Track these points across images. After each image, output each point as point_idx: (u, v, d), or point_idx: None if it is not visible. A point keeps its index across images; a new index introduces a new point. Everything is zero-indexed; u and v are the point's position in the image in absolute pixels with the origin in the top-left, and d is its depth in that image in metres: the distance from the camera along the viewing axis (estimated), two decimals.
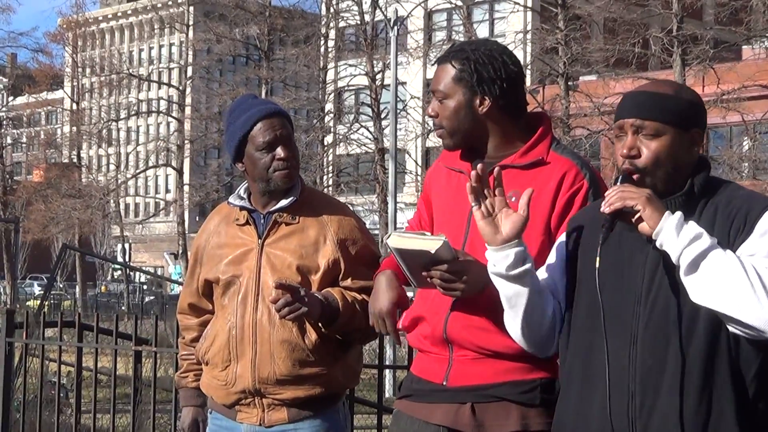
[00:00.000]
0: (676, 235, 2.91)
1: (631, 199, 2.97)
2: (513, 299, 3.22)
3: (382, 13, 40.32)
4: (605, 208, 3.01)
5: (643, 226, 2.97)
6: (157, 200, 75.43)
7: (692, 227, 2.93)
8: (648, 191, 2.99)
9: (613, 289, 3.11)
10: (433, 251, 3.33)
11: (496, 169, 3.23)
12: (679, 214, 2.95)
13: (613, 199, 2.99)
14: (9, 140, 61.82)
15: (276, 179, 3.88)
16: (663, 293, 3.02)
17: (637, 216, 2.97)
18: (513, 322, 3.27)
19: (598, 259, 3.09)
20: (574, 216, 3.37)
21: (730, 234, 3.02)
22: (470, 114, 3.58)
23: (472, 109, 3.58)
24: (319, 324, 3.81)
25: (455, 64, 3.59)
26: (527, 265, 3.18)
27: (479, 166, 3.22)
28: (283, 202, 3.90)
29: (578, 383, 3.19)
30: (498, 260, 3.18)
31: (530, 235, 3.36)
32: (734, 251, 2.97)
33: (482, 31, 46.70)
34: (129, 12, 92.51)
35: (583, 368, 3.18)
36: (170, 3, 63.97)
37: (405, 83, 44.05)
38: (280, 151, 3.85)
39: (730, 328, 2.94)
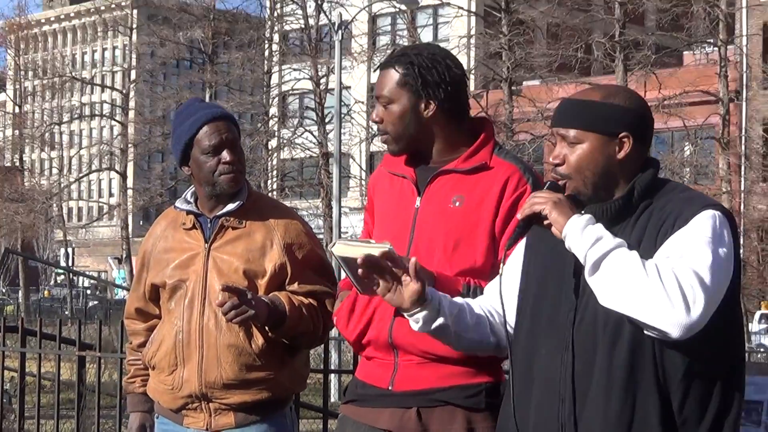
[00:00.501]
0: (580, 236, 2.91)
1: (539, 204, 2.99)
2: (445, 339, 3.25)
3: (327, 17, 40.45)
4: (518, 214, 3.05)
5: (554, 230, 2.98)
6: (100, 204, 75.09)
7: (596, 229, 2.93)
8: (558, 196, 3.01)
9: (551, 295, 3.13)
10: (377, 253, 3.28)
11: (412, 260, 3.15)
12: (586, 216, 2.96)
13: (525, 205, 3.03)
14: None
15: (222, 183, 3.86)
16: (593, 299, 3.00)
17: (547, 221, 2.99)
18: (447, 341, 3.29)
19: (501, 265, 3.14)
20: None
21: (658, 236, 3.01)
22: (415, 118, 3.57)
23: (417, 114, 3.57)
24: (266, 328, 3.80)
25: (399, 68, 3.58)
26: (440, 320, 3.17)
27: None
28: (230, 207, 3.89)
29: (519, 388, 3.19)
30: (413, 324, 3.19)
31: (475, 241, 3.39)
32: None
33: (426, 36, 46.89)
34: (72, 15, 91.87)
35: (524, 373, 3.18)
36: (114, 6, 63.58)
37: (349, 87, 44.10)
38: (225, 155, 3.84)
39: (645, 331, 2.93)
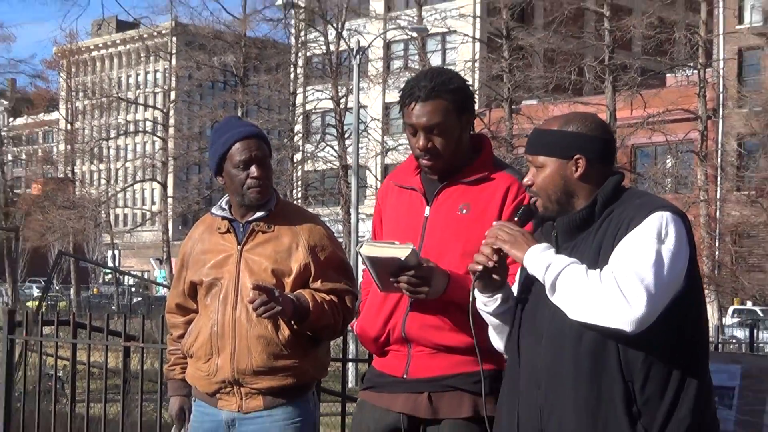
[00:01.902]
0: (536, 265, 2.98)
1: (502, 241, 3.07)
2: (497, 328, 3.29)
3: (346, 43, 40.53)
4: (482, 250, 3.13)
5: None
6: (143, 211, 74.85)
7: (547, 255, 3.01)
8: (518, 232, 3.10)
9: (534, 295, 3.15)
10: (402, 258, 3.36)
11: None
12: (541, 246, 3.03)
13: (489, 241, 3.11)
14: (10, 157, 61.31)
15: (249, 195, 3.86)
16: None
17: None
18: (497, 341, 3.33)
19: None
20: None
21: (615, 240, 3.03)
22: (459, 140, 3.56)
23: (460, 136, 3.56)
24: (292, 321, 3.81)
25: (446, 96, 3.50)
26: (504, 303, 3.24)
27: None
28: (260, 213, 3.88)
29: (509, 377, 3.24)
30: (487, 306, 3.25)
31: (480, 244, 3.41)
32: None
33: (435, 60, 46.76)
34: (118, 41, 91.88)
35: (513, 365, 3.23)
36: (155, 33, 63.50)
37: (366, 106, 44.04)
38: (254, 170, 3.83)
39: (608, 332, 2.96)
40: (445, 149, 3.52)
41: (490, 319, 3.28)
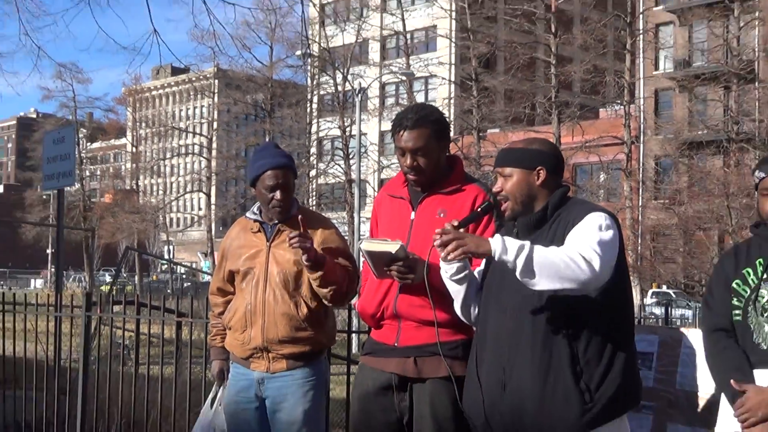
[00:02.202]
0: (508, 251, 2.89)
1: (465, 246, 2.94)
2: (457, 294, 3.29)
3: (350, 85, 40.67)
4: (448, 256, 2.99)
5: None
6: (192, 215, 75.01)
7: (513, 242, 2.92)
8: (469, 237, 3.00)
9: (500, 275, 3.15)
10: (393, 252, 3.38)
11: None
12: (497, 238, 2.93)
13: (455, 251, 2.96)
14: (87, 173, 61.23)
15: (271, 212, 3.88)
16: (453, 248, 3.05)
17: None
18: (456, 305, 3.33)
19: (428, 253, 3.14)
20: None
21: (564, 233, 3.05)
22: (438, 160, 3.55)
23: (439, 157, 3.55)
24: (308, 296, 3.81)
25: (428, 125, 3.50)
26: (463, 274, 3.24)
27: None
28: (279, 222, 3.91)
29: (477, 343, 3.24)
30: (449, 272, 3.24)
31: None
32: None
33: (420, 98, 46.84)
34: (172, 83, 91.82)
35: (481, 334, 3.23)
36: (201, 77, 63.53)
37: (366, 134, 44.04)
38: (277, 194, 3.82)
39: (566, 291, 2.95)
40: (427, 167, 3.52)
41: (451, 285, 3.27)
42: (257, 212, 3.98)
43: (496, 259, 2.92)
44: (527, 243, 2.92)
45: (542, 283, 2.90)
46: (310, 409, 3.84)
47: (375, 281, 3.58)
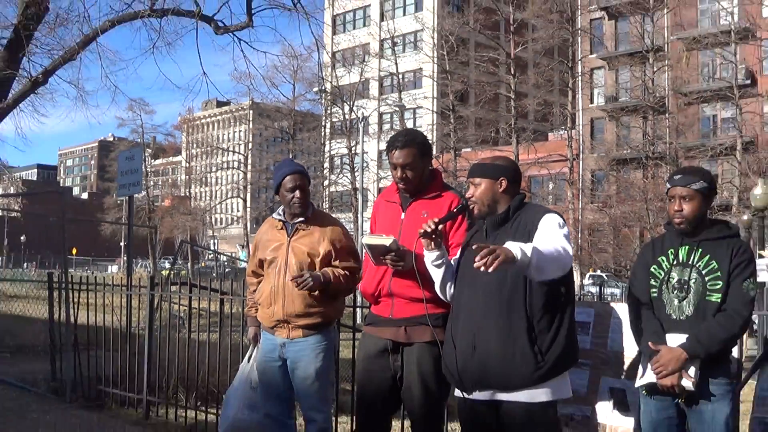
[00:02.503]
0: (524, 255, 2.78)
1: (500, 257, 2.71)
2: (437, 276, 3.27)
3: (355, 114, 40.57)
4: (487, 264, 2.71)
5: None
6: (232, 216, 74.82)
7: (524, 246, 2.79)
8: (499, 248, 2.74)
9: (471, 260, 3.10)
10: (387, 245, 3.37)
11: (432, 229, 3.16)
12: (510, 243, 2.79)
13: (495, 262, 2.71)
14: (151, 183, 61.12)
15: (293, 208, 3.86)
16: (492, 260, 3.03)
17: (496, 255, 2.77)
18: (436, 285, 3.31)
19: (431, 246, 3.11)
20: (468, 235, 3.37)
21: (526, 232, 3.04)
22: (422, 172, 3.54)
23: (423, 170, 3.54)
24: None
25: (414, 146, 3.49)
26: (442, 260, 3.24)
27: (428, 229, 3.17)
28: (300, 219, 3.89)
29: (453, 315, 3.22)
30: (431, 258, 3.24)
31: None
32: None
33: (409, 124, 46.79)
34: (217, 113, 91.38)
35: (456, 307, 3.20)
36: (239, 108, 63.54)
37: (367, 152, 44.01)
38: (297, 194, 3.82)
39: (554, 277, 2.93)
40: (414, 178, 3.51)
41: (432, 270, 3.26)
42: (281, 213, 3.96)
43: (518, 260, 2.76)
44: (531, 245, 2.82)
45: (548, 273, 2.86)
46: (320, 368, 3.82)
47: (374, 267, 3.57)
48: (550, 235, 2.96)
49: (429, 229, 3.13)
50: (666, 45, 35.52)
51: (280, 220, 3.94)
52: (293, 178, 3.84)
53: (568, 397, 3.11)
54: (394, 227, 3.57)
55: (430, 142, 3.78)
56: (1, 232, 55.22)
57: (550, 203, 36.98)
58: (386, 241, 3.39)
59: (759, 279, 2.99)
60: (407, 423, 3.68)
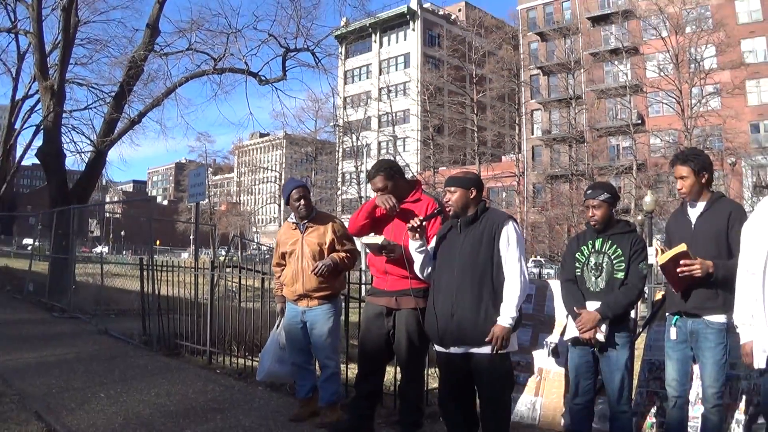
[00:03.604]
0: (511, 321, 2.94)
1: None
2: (417, 260, 3.23)
3: (361, 142, 40.39)
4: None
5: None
6: (270, 217, 74.56)
7: (511, 317, 2.94)
8: (498, 330, 2.92)
9: (448, 249, 3.10)
10: (380, 242, 3.36)
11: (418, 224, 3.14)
12: (501, 321, 2.93)
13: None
14: (212, 193, 60.91)
15: (300, 213, 3.84)
16: (465, 247, 3.02)
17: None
18: (416, 266, 3.26)
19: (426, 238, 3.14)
20: (441, 227, 3.32)
21: (491, 233, 2.99)
22: (395, 187, 3.49)
23: (395, 185, 3.49)
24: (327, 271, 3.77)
25: (382, 172, 3.48)
26: (422, 248, 3.19)
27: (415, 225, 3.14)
28: (307, 220, 3.87)
29: (434, 289, 3.16)
30: (415, 246, 3.19)
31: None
32: (495, 246, 2.95)
33: (400, 149, 46.65)
34: (260, 142, 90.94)
35: (437, 284, 3.15)
36: (276, 138, 63.39)
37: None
38: (301, 202, 3.82)
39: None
40: (392, 193, 3.47)
41: (415, 255, 3.20)
42: (293, 218, 3.96)
43: (512, 325, 2.92)
44: (512, 307, 2.89)
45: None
46: (331, 328, 3.81)
47: (375, 257, 3.55)
48: (511, 270, 2.93)
49: (415, 225, 3.11)
50: (583, 95, 35.80)
51: (294, 223, 3.94)
52: (298, 191, 3.83)
53: (516, 349, 3.10)
54: (388, 223, 3.54)
55: (407, 163, 3.74)
56: (107, 228, 55.11)
57: (504, 207, 36.89)
58: (378, 239, 3.39)
59: (649, 261, 3.03)
60: (398, 369, 3.66)
